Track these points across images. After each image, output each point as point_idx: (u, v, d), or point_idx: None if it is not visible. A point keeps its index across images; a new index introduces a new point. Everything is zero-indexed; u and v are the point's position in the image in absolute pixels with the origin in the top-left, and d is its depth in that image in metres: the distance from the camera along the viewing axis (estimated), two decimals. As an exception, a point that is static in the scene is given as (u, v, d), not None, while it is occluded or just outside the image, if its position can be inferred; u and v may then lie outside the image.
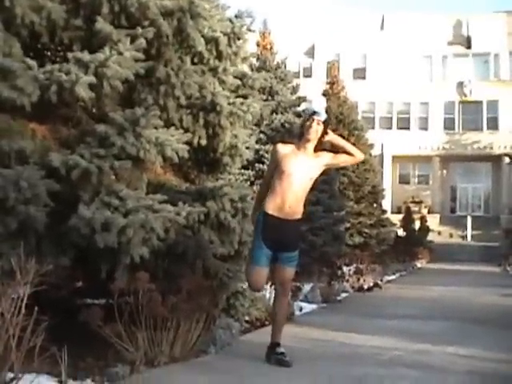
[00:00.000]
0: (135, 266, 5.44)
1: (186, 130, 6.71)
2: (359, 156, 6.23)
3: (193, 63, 6.90)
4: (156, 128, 6.00)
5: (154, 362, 5.52)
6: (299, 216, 6.01)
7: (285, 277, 6.04)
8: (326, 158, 6.07)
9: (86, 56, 5.69)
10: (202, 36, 6.73)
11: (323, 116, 6.01)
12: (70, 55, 5.77)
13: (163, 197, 5.87)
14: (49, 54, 6.61)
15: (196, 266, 6.25)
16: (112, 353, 5.43)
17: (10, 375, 4.30)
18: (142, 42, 6.03)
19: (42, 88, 5.44)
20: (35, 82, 5.42)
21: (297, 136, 6.20)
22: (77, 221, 5.22)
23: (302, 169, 5.88)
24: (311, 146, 5.97)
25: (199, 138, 6.93)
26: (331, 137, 6.11)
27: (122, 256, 5.38)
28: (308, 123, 5.94)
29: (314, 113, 6.02)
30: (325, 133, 6.00)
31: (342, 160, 6.23)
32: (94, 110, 6.44)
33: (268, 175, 6.14)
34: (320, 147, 6.05)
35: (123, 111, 5.92)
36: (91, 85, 5.56)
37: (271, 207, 5.88)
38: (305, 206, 6.10)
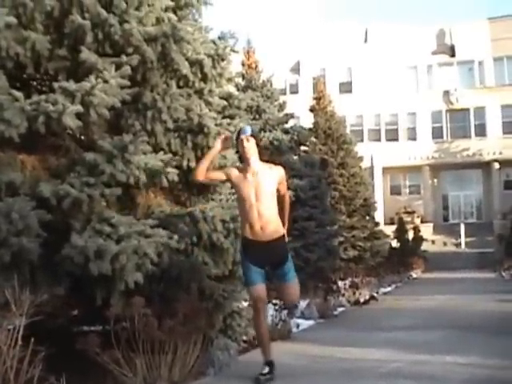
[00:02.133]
0: (130, 291, 5.46)
1: (175, 154, 6.75)
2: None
3: (178, 87, 6.94)
4: (145, 153, 6.06)
5: (153, 387, 5.52)
6: (280, 233, 6.07)
7: (291, 293, 6.12)
8: (278, 177, 6.13)
9: (71, 85, 5.72)
10: (187, 59, 6.78)
11: (248, 130, 6.08)
12: (55, 85, 5.80)
13: (155, 221, 5.91)
14: (35, 84, 6.63)
15: (191, 288, 6.27)
16: (111, 379, 5.42)
17: (10, 407, 4.30)
18: (127, 68, 6.07)
19: (30, 119, 5.47)
20: (22, 114, 5.44)
21: (239, 160, 6.28)
22: (70, 250, 5.25)
23: (255, 190, 5.93)
24: (254, 160, 6.02)
25: (188, 160, 6.94)
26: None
27: (116, 282, 5.40)
28: (239, 145, 6.04)
29: (239, 133, 6.11)
30: (258, 142, 6.12)
31: (284, 198, 6.30)
32: (82, 139, 6.47)
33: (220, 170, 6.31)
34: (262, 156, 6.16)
35: (111, 138, 5.96)
36: (78, 114, 5.59)
37: (247, 232, 6.00)
38: (290, 220, 6.23)
